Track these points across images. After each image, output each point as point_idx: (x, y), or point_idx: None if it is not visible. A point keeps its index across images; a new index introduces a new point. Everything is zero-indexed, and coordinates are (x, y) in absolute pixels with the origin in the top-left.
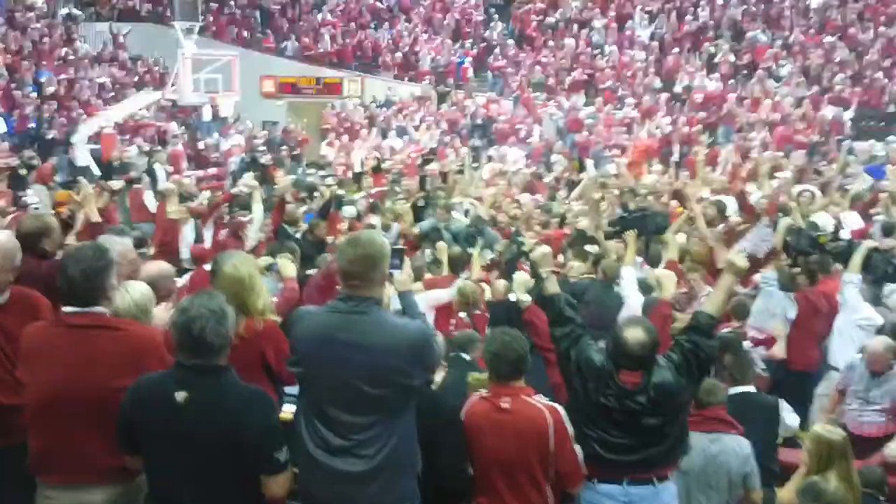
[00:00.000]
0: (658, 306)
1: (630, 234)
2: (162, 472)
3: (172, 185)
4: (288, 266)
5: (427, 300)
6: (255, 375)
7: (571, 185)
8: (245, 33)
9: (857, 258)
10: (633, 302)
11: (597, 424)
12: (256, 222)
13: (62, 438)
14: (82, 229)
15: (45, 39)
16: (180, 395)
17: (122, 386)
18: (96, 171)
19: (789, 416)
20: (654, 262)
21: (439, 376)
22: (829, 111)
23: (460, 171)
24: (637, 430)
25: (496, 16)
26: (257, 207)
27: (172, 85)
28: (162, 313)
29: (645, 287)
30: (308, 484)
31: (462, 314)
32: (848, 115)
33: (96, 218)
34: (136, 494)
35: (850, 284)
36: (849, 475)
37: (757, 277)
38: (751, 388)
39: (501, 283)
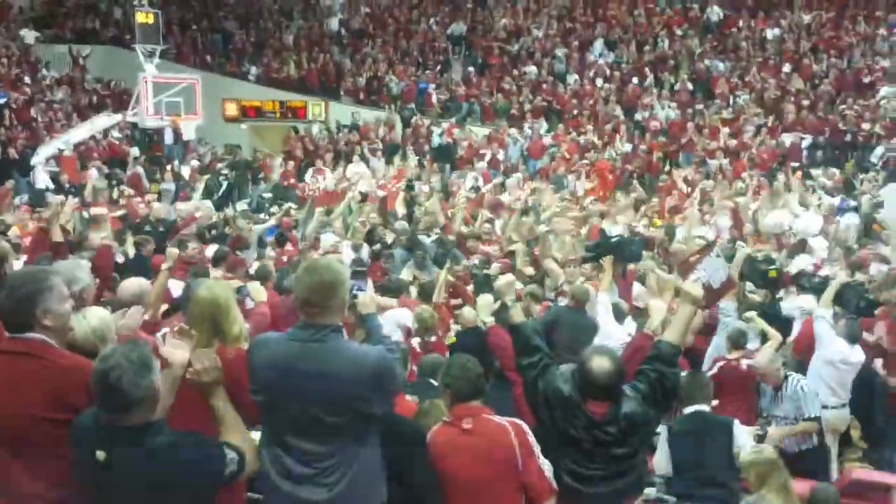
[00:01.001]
0: (637, 337)
1: (606, 261)
2: None
3: (103, 210)
4: (259, 291)
5: (395, 319)
6: None
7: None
8: (207, 57)
9: (828, 293)
10: (607, 328)
11: (566, 454)
12: None
13: None
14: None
15: (4, 60)
16: (100, 455)
17: (44, 416)
18: (54, 195)
19: (743, 437)
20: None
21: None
22: (786, 139)
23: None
24: (607, 460)
25: (460, 44)
26: None
27: (133, 108)
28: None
29: (617, 312)
30: None
31: (415, 340)
32: (805, 143)
33: (59, 238)
34: None
35: (821, 319)
36: (785, 486)
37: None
38: (705, 408)
39: (469, 312)
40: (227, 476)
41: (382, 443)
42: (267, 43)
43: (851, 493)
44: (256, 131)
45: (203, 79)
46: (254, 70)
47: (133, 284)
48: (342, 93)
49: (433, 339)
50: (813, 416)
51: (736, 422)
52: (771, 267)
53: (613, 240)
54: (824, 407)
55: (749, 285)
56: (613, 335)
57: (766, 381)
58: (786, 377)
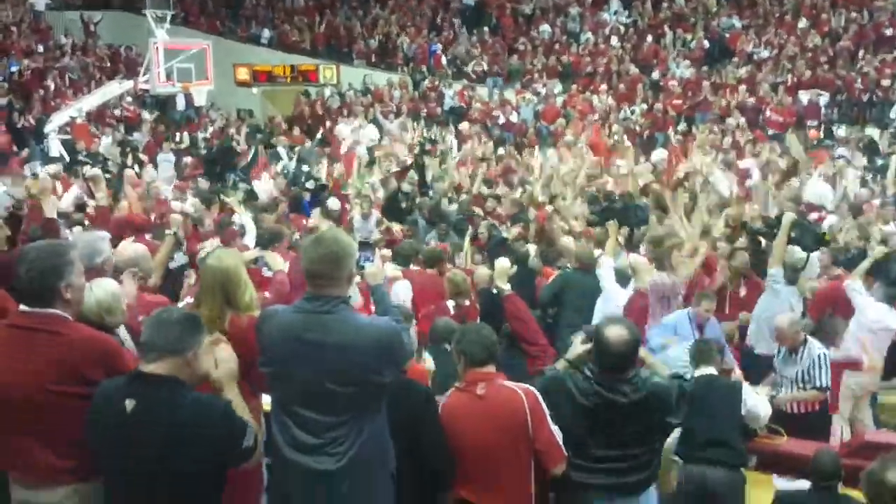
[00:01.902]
0: (635, 299)
1: (612, 224)
2: (118, 480)
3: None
4: (276, 259)
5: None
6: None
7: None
8: (218, 22)
9: (863, 265)
10: (610, 292)
11: (581, 444)
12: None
13: (2, 437)
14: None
15: (14, 28)
16: (129, 404)
17: (58, 389)
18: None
19: (751, 398)
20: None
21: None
22: (804, 97)
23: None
24: (620, 440)
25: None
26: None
27: (144, 74)
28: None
29: (621, 276)
30: (280, 483)
31: (450, 303)
32: (823, 101)
33: (51, 213)
34: (90, 500)
35: (853, 291)
36: None
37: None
38: (713, 371)
39: (485, 272)
40: (245, 449)
41: (391, 407)
42: (278, 6)
43: (863, 455)
44: (268, 96)
45: (214, 44)
46: (265, 34)
47: (128, 249)
48: (354, 56)
49: (466, 302)
50: (823, 386)
51: (745, 384)
52: (823, 230)
53: (619, 204)
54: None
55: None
56: (617, 299)
57: (782, 342)
58: (805, 340)
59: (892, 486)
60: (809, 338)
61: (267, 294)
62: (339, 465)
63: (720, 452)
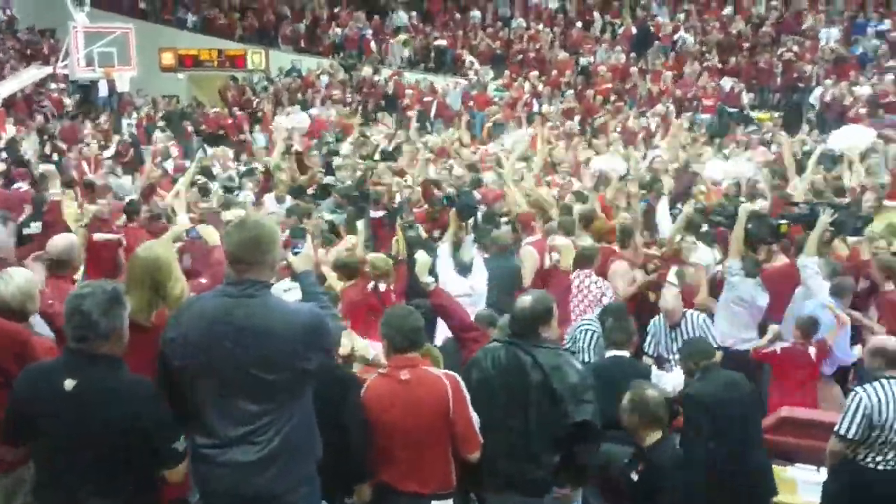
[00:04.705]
0: (559, 278)
1: (452, 213)
2: (53, 462)
3: (51, 167)
4: (211, 232)
5: None
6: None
7: None
8: (142, 4)
9: (812, 240)
10: (444, 280)
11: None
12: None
13: None
14: None
15: None
16: (69, 383)
17: None
18: None
19: (663, 380)
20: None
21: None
22: (726, 83)
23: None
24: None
25: None
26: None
27: (64, 59)
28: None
29: (461, 265)
30: (203, 478)
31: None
32: (744, 86)
33: None
34: (18, 486)
35: (805, 268)
36: None
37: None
38: (626, 353)
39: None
40: (173, 449)
41: (315, 393)
42: None
43: (782, 430)
44: (195, 81)
45: (137, 28)
46: (191, 18)
47: (62, 240)
48: (281, 41)
49: (382, 287)
50: (717, 347)
51: (654, 366)
52: (781, 221)
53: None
54: None
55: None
56: (451, 287)
57: (671, 319)
58: (683, 314)
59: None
60: (687, 311)
61: (203, 280)
62: (263, 454)
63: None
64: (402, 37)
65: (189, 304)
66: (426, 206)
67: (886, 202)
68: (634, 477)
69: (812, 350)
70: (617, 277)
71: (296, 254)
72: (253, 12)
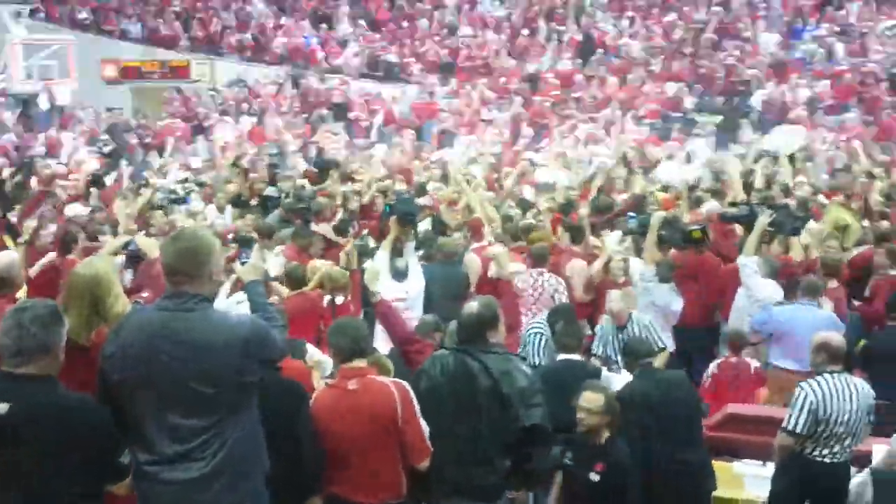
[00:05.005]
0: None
1: (392, 221)
2: None
3: None
4: (151, 244)
5: None
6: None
7: None
8: (81, 15)
9: (751, 240)
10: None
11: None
12: None
13: None
14: None
15: None
16: (2, 407)
17: None
18: None
19: (614, 381)
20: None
21: None
22: (670, 87)
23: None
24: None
25: None
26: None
27: (2, 72)
28: None
29: (396, 272)
30: (145, 496)
31: (327, 299)
32: (688, 91)
33: None
34: None
35: (745, 267)
36: None
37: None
38: (576, 357)
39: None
40: (119, 464)
41: (261, 403)
42: None
43: (728, 427)
44: (139, 93)
45: (78, 39)
46: (133, 28)
47: (1, 258)
48: (226, 51)
49: (341, 300)
50: (664, 346)
51: (604, 370)
52: (694, 227)
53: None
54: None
55: None
56: (386, 291)
57: (618, 321)
58: (629, 315)
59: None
60: (632, 312)
61: (145, 294)
62: (206, 470)
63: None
64: (355, 47)
65: (127, 317)
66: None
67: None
68: (595, 477)
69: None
70: (575, 275)
71: (243, 264)
72: (197, 22)
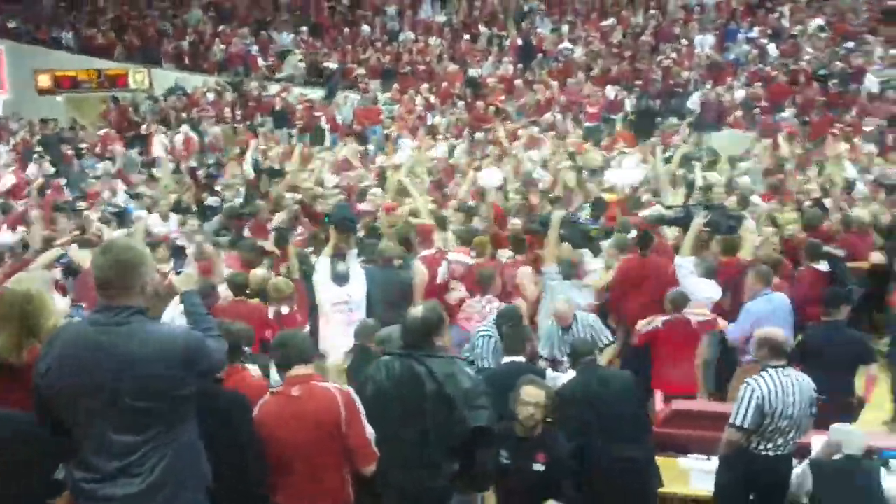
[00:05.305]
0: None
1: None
2: None
3: None
4: (83, 257)
5: None
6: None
7: None
8: (11, 24)
9: (687, 240)
10: (321, 290)
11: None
12: None
13: None
14: None
15: None
16: None
17: None
18: None
19: (558, 381)
20: None
21: None
22: (609, 91)
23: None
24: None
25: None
26: None
27: None
28: None
29: (337, 275)
30: None
31: (271, 310)
32: (627, 94)
33: None
34: None
35: (681, 268)
36: None
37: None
38: (521, 359)
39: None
40: (55, 481)
41: (202, 416)
42: (79, 6)
43: (673, 423)
44: (74, 103)
45: (9, 49)
46: (67, 37)
47: None
48: (164, 59)
49: (286, 310)
50: (610, 341)
51: (549, 369)
52: (592, 226)
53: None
54: None
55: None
56: (328, 295)
57: (562, 323)
58: (574, 316)
59: None
60: (577, 313)
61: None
62: (143, 487)
63: None
64: (298, 55)
65: (59, 333)
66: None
67: (761, 202)
68: (539, 467)
69: (693, 319)
70: (525, 279)
71: (178, 274)
72: (133, 30)
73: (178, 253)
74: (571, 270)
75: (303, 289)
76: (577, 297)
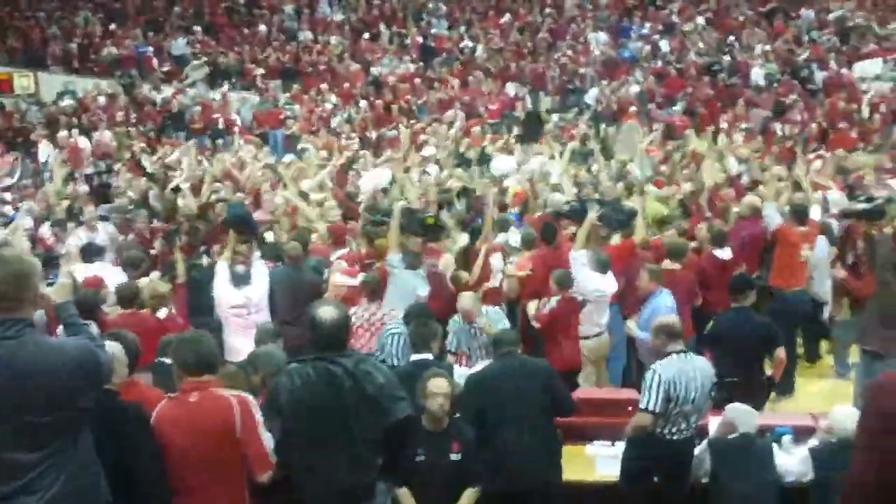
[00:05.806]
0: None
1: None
2: None
3: None
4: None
5: None
6: None
7: None
8: None
9: (580, 234)
10: (218, 293)
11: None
12: None
13: None
14: None
15: None
16: None
17: None
18: None
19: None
20: None
21: None
22: (510, 88)
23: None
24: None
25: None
26: None
27: None
28: None
29: (237, 277)
30: None
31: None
32: (526, 92)
33: None
34: None
35: (574, 261)
36: None
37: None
38: (428, 356)
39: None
40: None
41: (101, 428)
42: None
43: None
44: None
45: None
46: None
47: None
48: (50, 62)
49: (164, 313)
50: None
51: (456, 365)
52: (427, 214)
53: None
54: (585, 338)
55: None
56: (227, 298)
57: (467, 319)
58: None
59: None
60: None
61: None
62: (41, 502)
63: None
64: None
65: None
66: None
67: (653, 189)
68: (456, 456)
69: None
70: (448, 269)
71: (50, 284)
72: (17, 32)
73: (50, 263)
74: (415, 260)
75: (183, 295)
76: (418, 286)
